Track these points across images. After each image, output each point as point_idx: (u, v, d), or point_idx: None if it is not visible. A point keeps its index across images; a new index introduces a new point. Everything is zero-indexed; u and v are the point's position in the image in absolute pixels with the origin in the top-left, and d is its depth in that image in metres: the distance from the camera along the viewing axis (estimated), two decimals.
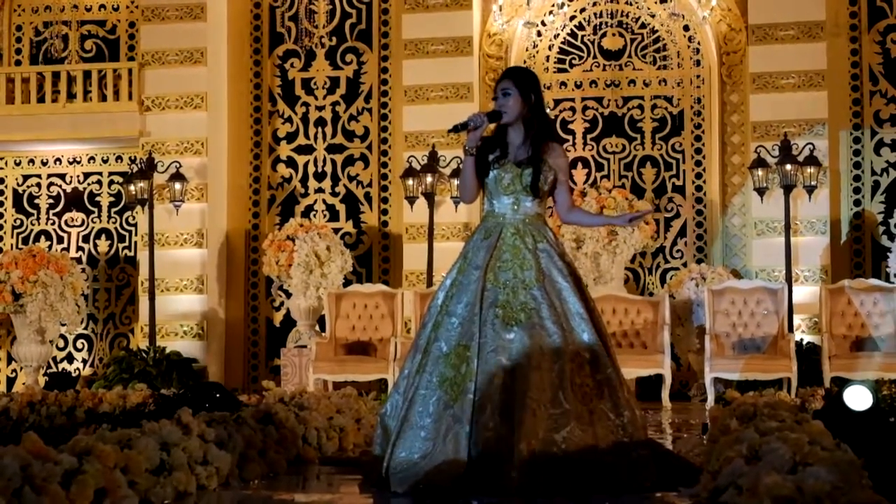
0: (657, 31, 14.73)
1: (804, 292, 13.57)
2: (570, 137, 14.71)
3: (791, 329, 12.87)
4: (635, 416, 5.46)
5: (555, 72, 14.87)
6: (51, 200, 15.85)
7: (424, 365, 5.47)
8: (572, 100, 14.86)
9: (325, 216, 15.17)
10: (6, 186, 15.97)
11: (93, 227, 15.77)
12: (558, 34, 14.92)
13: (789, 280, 13.32)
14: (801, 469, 3.93)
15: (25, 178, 15.93)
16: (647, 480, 5.27)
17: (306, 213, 15.22)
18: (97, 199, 15.80)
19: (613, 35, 14.81)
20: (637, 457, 5.33)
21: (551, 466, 5.14)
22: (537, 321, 5.42)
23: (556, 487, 5.11)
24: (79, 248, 15.71)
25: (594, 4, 14.83)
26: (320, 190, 15.30)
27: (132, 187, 14.59)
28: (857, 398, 5.69)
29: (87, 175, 15.83)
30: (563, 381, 5.32)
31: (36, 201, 15.89)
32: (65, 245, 15.71)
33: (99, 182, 15.80)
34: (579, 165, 14.71)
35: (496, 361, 5.35)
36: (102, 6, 16.04)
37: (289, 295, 14.44)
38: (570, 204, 5.89)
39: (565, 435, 5.21)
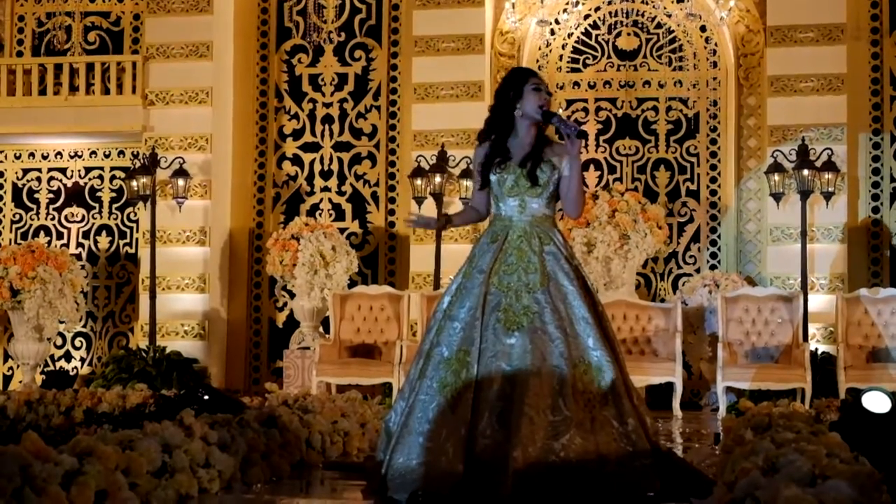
0: (673, 31, 14.53)
1: (820, 301, 13.40)
2: (587, 133, 14.48)
3: (806, 338, 12.68)
4: (640, 425, 5.37)
5: (568, 71, 14.71)
6: (51, 195, 15.70)
7: (426, 370, 5.45)
8: (585, 100, 14.67)
9: (330, 215, 15.01)
10: (5, 180, 15.81)
11: (93, 223, 15.61)
12: (572, 33, 14.73)
13: (805, 288, 13.13)
14: (820, 482, 3.88)
15: (25, 171, 15.78)
16: (648, 490, 5.19)
17: (312, 212, 15.06)
18: (98, 194, 15.62)
19: (628, 35, 14.62)
20: (640, 466, 5.25)
21: (549, 475, 5.07)
22: (539, 326, 5.37)
23: (552, 496, 5.03)
24: (79, 245, 15.55)
25: (609, 3, 14.65)
26: (326, 189, 15.12)
27: (134, 183, 14.42)
28: (876, 403, 5.75)
29: (88, 170, 15.66)
30: (563, 387, 5.25)
31: (36, 196, 15.73)
32: (64, 241, 15.56)
33: (100, 177, 15.64)
34: (591, 167, 14.54)
35: (496, 367, 5.30)
36: None
37: (292, 295, 14.29)
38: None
39: (564, 442, 5.15)
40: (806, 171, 13.25)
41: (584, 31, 14.73)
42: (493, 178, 5.66)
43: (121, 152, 15.52)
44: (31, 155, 15.74)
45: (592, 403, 5.30)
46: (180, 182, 14.40)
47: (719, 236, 14.33)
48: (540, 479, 5.04)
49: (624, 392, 5.38)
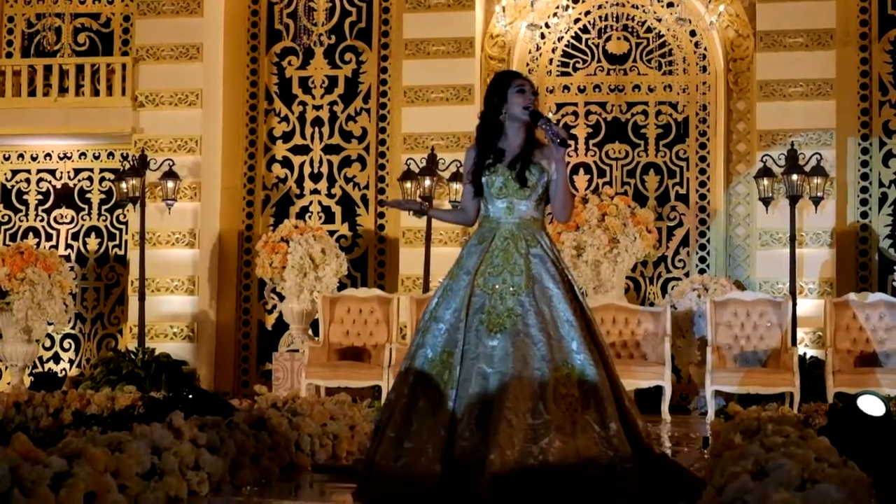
0: (663, 35, 14.53)
1: (808, 305, 13.43)
2: (571, 142, 14.47)
3: (794, 343, 12.70)
4: (626, 429, 5.34)
5: (558, 75, 14.70)
6: (40, 196, 15.64)
7: (410, 372, 5.44)
8: (575, 104, 14.67)
9: (320, 218, 14.97)
10: None
11: (83, 225, 15.56)
12: (562, 37, 14.73)
13: (793, 292, 13.14)
14: (809, 486, 3.86)
15: (14, 172, 15.73)
16: (629, 495, 5.16)
17: (301, 214, 15.01)
18: (87, 196, 15.58)
19: (618, 39, 14.61)
20: (620, 471, 5.20)
21: (527, 478, 5.04)
22: (522, 328, 5.36)
23: (529, 500, 5.01)
24: (68, 246, 15.50)
25: (599, 7, 14.64)
26: (316, 191, 15.08)
27: (123, 185, 14.39)
28: (871, 406, 5.76)
29: (77, 171, 15.62)
30: (544, 390, 5.23)
31: (25, 197, 15.68)
32: (53, 243, 15.50)
33: (90, 179, 15.59)
34: (581, 171, 14.54)
35: (477, 369, 5.29)
36: None
37: (282, 298, 14.24)
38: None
39: (543, 446, 5.11)
40: (795, 176, 13.27)
41: (574, 35, 14.72)
42: (483, 179, 5.65)
43: (110, 154, 15.48)
44: (21, 156, 15.69)
45: (574, 407, 5.26)
46: (170, 184, 14.35)
47: (708, 240, 14.33)
48: (517, 483, 5.01)
49: (609, 396, 5.35)
